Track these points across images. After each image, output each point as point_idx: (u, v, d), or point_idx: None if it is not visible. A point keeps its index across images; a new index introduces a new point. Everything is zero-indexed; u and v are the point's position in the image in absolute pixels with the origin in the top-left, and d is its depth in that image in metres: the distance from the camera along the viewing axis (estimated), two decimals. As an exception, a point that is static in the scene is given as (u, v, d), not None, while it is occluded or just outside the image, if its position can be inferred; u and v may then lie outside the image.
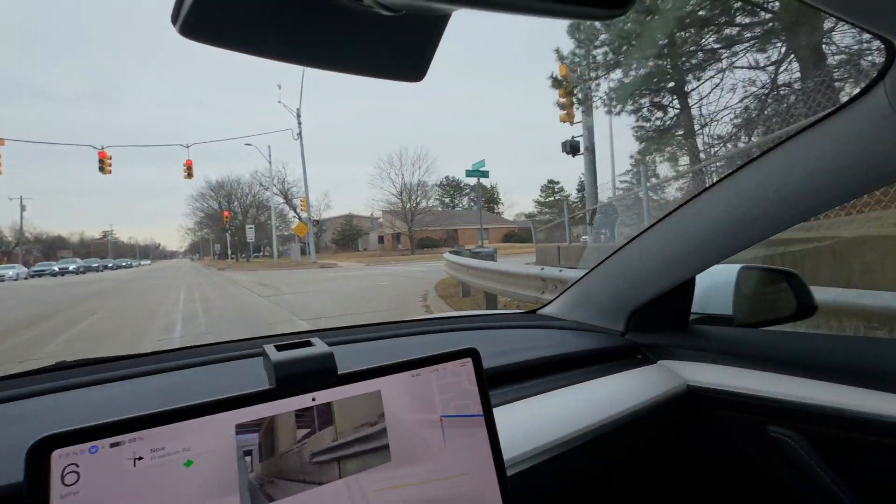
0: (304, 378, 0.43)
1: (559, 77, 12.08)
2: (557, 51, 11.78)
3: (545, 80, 12.34)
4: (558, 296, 1.22)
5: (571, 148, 12.44)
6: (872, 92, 0.61)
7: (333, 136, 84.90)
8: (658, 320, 1.03)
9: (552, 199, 54.60)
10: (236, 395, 0.41)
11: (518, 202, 74.34)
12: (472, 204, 57.34)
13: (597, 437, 0.73)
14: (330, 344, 0.47)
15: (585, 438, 0.71)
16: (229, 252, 46.38)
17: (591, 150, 12.09)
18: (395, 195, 39.98)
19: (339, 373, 0.45)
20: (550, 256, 9.99)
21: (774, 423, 0.80)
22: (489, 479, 0.50)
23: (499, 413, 0.56)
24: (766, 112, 9.39)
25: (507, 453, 0.55)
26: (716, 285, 1.08)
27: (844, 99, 0.67)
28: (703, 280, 1.03)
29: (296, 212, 44.92)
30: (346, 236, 50.88)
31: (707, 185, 0.87)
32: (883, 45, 0.55)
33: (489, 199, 58.99)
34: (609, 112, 11.53)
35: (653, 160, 11.18)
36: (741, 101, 9.68)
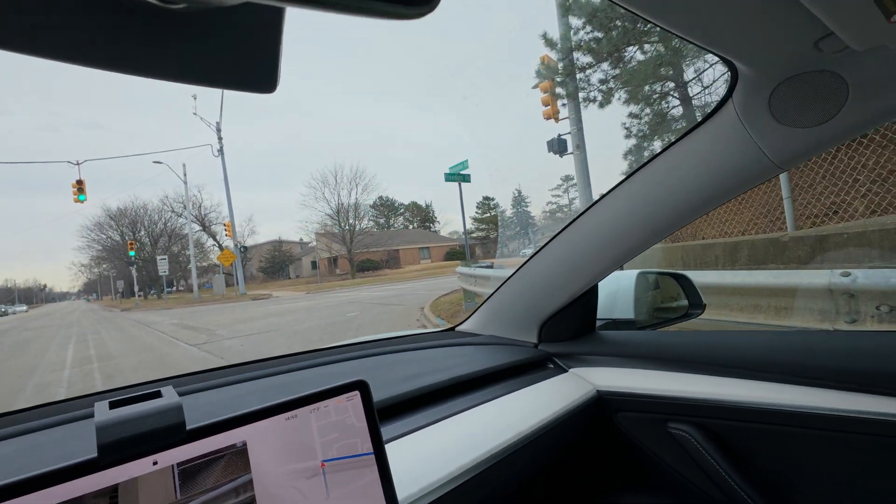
0: (138, 440, 0.37)
1: (541, 68, 10.81)
2: (545, 35, 10.46)
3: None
4: (474, 311, 1.22)
5: (559, 146, 11.17)
6: (724, 108, 0.71)
7: (259, 159, 78.58)
8: (568, 328, 1.08)
9: (487, 215, 54.53)
10: (41, 472, 0.34)
11: (452, 220, 73.09)
12: (407, 224, 55.69)
13: (515, 450, 0.74)
14: (194, 391, 0.39)
15: (504, 454, 0.72)
16: (136, 289, 39.41)
17: (581, 148, 10.87)
18: (330, 216, 36.86)
19: (188, 427, 0.39)
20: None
21: (674, 419, 0.89)
22: None
23: (414, 438, 0.63)
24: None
25: (422, 480, 0.57)
26: (617, 291, 1.17)
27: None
28: (605, 286, 1.09)
29: (215, 239, 39.99)
30: (276, 264, 46.00)
31: (600, 196, 0.89)
32: (727, 67, 0.64)
33: (424, 217, 57.69)
34: (601, 105, 10.39)
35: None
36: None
